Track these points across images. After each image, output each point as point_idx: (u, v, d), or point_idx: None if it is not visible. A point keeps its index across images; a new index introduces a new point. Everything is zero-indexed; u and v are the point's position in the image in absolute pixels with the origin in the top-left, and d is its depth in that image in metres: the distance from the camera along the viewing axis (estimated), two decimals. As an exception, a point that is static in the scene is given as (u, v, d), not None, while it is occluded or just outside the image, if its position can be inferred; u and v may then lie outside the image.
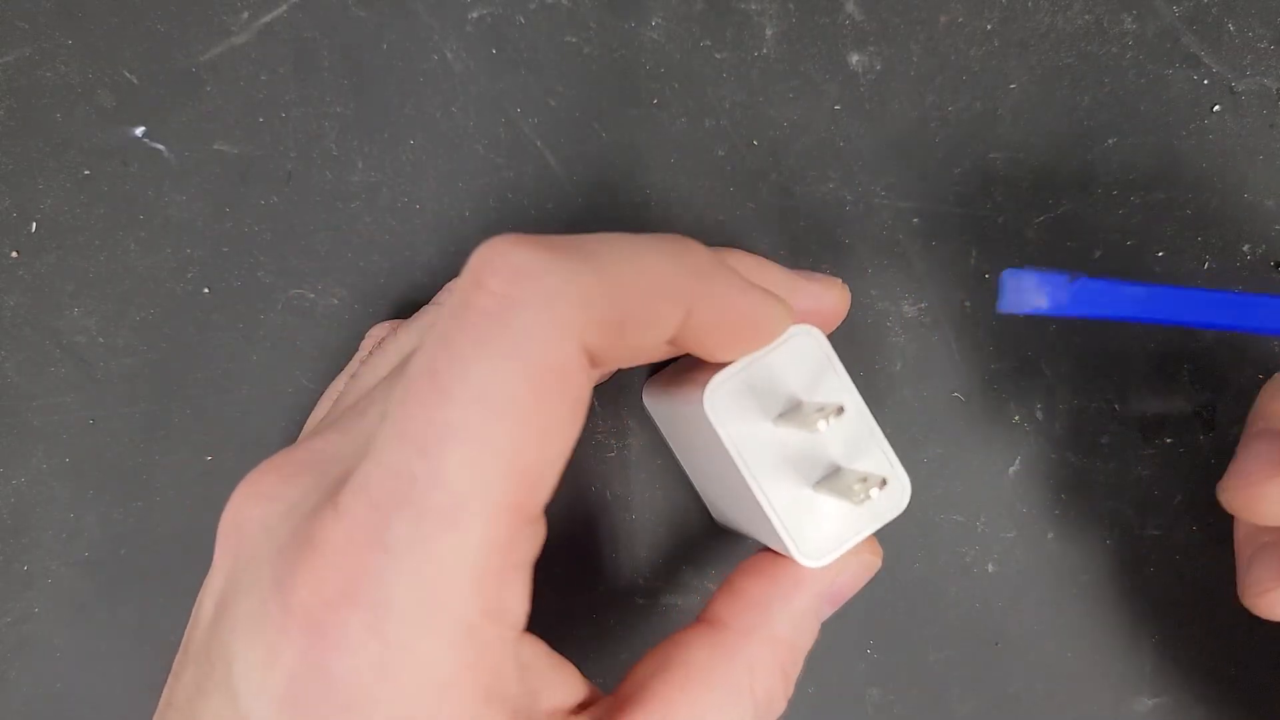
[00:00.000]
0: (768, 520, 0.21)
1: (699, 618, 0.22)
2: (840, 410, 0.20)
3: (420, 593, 0.16)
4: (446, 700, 0.17)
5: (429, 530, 0.16)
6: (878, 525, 0.22)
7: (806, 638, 0.22)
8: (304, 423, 0.28)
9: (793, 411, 0.21)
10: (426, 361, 0.17)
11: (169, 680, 0.20)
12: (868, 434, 0.22)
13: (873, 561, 0.23)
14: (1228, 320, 0.20)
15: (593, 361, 0.17)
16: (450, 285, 0.22)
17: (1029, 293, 0.20)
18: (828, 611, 0.23)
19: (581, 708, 0.20)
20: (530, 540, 0.17)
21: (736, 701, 0.21)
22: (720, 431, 0.21)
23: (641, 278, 0.18)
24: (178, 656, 0.20)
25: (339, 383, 0.26)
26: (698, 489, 0.27)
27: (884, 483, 0.20)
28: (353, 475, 0.17)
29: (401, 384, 0.17)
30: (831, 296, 0.23)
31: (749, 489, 0.21)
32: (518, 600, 0.17)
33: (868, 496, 0.20)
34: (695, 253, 0.19)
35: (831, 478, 0.21)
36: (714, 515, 0.26)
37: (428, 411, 0.16)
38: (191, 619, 0.20)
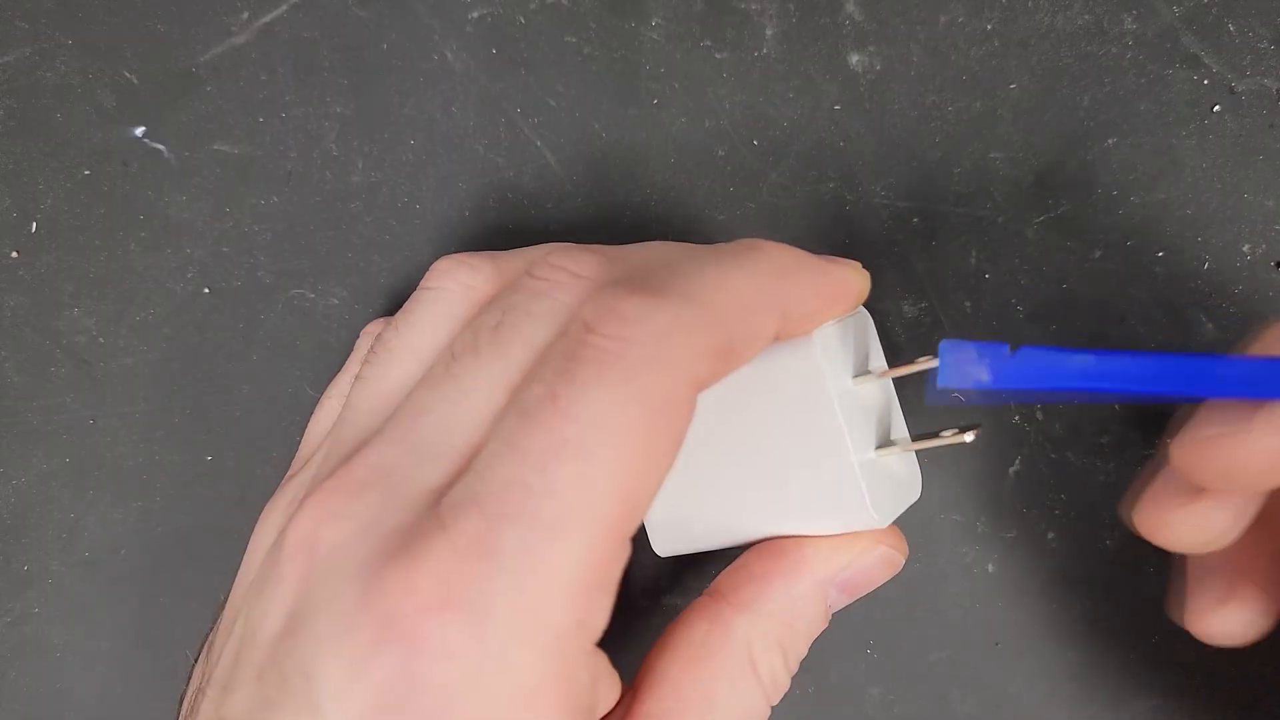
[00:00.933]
0: (844, 475, 0.21)
1: (704, 591, 0.22)
2: (979, 432, 0.21)
3: (521, 601, 0.17)
4: (530, 708, 0.17)
5: (536, 540, 0.17)
6: (900, 510, 0.22)
7: (807, 620, 0.22)
8: (304, 423, 0.28)
9: (866, 373, 0.22)
10: (545, 388, 0.18)
11: (211, 693, 0.20)
12: (898, 415, 0.23)
13: (893, 556, 0.23)
14: (1189, 387, 0.19)
15: (702, 386, 0.19)
16: (438, 266, 0.22)
17: (970, 365, 0.19)
18: (841, 600, 0.23)
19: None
20: (621, 561, 0.18)
21: (741, 678, 0.21)
22: (827, 375, 0.21)
23: (738, 299, 0.19)
24: (226, 671, 0.20)
25: (340, 383, 0.26)
26: (670, 504, 0.25)
27: (980, 426, 0.21)
28: (454, 489, 0.18)
29: (516, 408, 0.18)
30: (861, 278, 0.23)
31: (836, 441, 0.21)
32: (601, 616, 0.18)
33: (963, 441, 0.21)
34: (772, 255, 0.20)
35: (888, 446, 0.22)
36: (666, 540, 0.25)
37: (547, 430, 0.17)
38: (243, 635, 0.19)
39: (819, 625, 0.22)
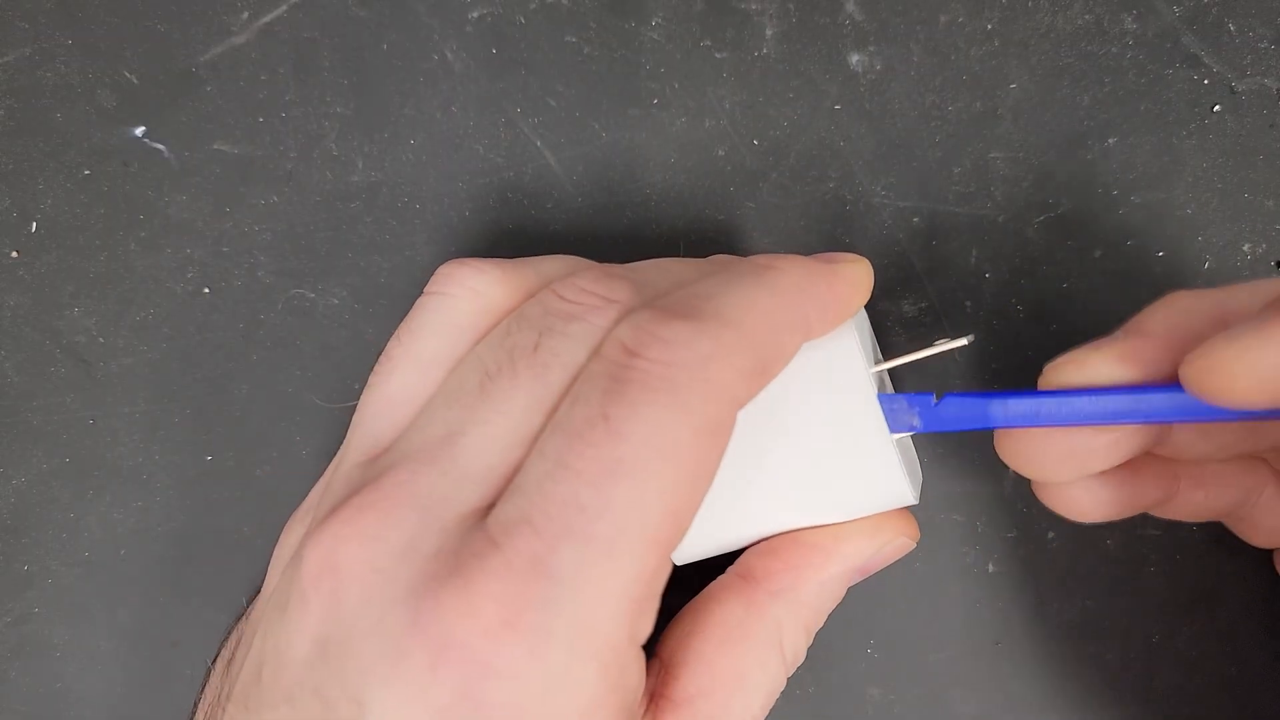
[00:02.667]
0: (881, 455, 0.22)
1: (731, 570, 0.23)
2: (971, 339, 0.22)
3: (580, 618, 0.17)
4: (592, 718, 0.18)
5: (593, 557, 0.17)
6: (919, 488, 0.24)
7: (831, 603, 0.23)
8: (304, 423, 0.28)
9: (880, 361, 0.23)
10: (594, 409, 0.18)
11: (232, 711, 0.19)
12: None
13: (908, 544, 0.24)
14: (1099, 417, 0.20)
15: (741, 406, 0.19)
16: (441, 271, 0.22)
17: (903, 414, 0.22)
18: (857, 579, 0.24)
19: None
20: (666, 573, 0.19)
21: (770, 657, 0.22)
22: (864, 361, 0.22)
23: (769, 321, 0.20)
24: (246, 690, 0.19)
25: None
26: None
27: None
28: (501, 508, 0.18)
29: (563, 429, 0.18)
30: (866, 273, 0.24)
31: (872, 423, 0.22)
32: (649, 625, 0.19)
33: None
34: (789, 273, 0.21)
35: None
36: (686, 546, 0.24)
37: (599, 450, 0.18)
38: (264, 655, 0.19)
39: (838, 602, 0.23)
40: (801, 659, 0.23)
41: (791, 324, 0.20)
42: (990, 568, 0.27)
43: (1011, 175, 0.26)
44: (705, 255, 0.24)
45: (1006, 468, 0.27)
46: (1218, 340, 0.18)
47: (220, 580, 0.28)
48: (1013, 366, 0.27)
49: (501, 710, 0.17)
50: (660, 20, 0.26)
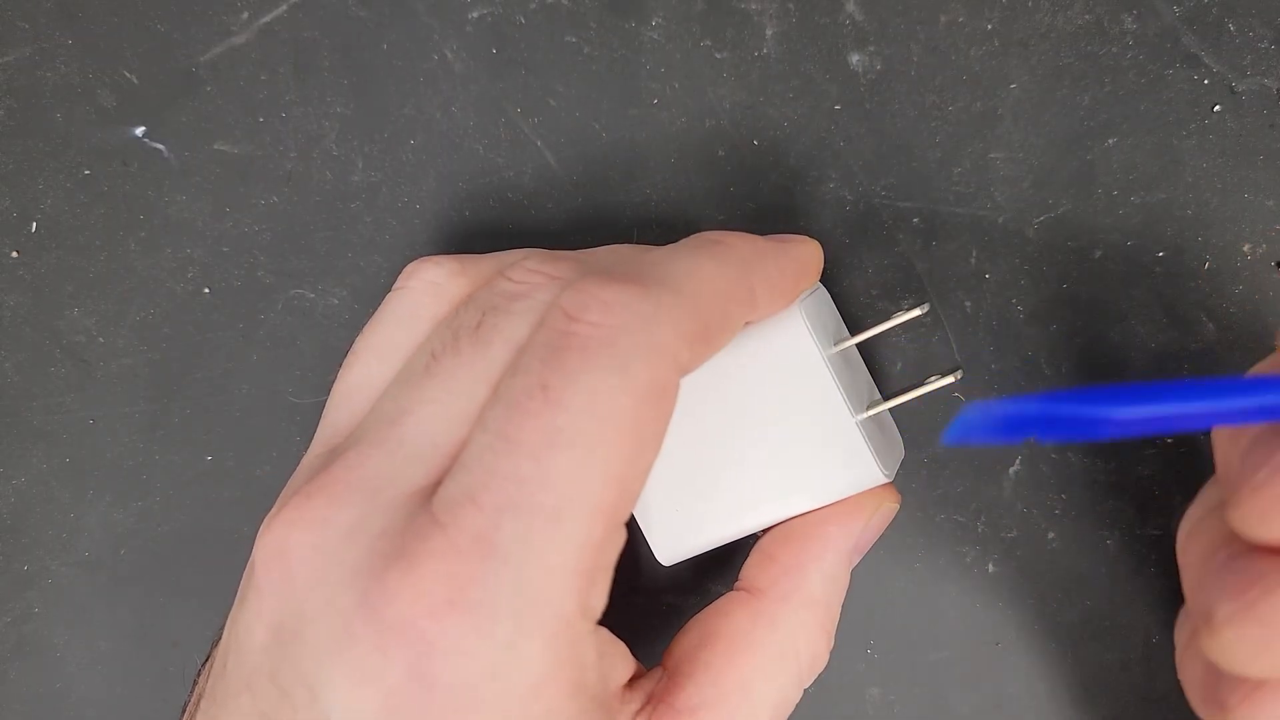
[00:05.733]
0: (848, 437, 0.22)
1: (736, 585, 0.23)
2: (927, 309, 0.23)
3: (527, 593, 0.17)
4: (542, 696, 0.17)
5: (535, 529, 0.17)
6: (897, 465, 0.24)
7: (841, 593, 0.23)
8: (305, 423, 0.28)
9: (843, 340, 0.23)
10: (533, 378, 0.18)
11: (204, 707, 0.20)
12: (868, 377, 0.25)
13: (892, 509, 0.24)
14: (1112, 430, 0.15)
15: (685, 372, 0.19)
16: (406, 268, 0.22)
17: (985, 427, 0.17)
18: (856, 560, 0.23)
19: (631, 682, 0.21)
20: (616, 545, 0.18)
21: (781, 666, 0.22)
22: (815, 343, 0.22)
23: (713, 287, 0.20)
24: (214, 683, 0.19)
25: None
26: (667, 511, 0.24)
27: (960, 368, 0.23)
28: (446, 486, 0.18)
29: (504, 400, 0.18)
30: (817, 254, 0.24)
31: (834, 405, 0.22)
32: (601, 597, 0.18)
33: (950, 382, 0.23)
34: (736, 246, 0.21)
35: (880, 402, 0.23)
36: (670, 547, 0.24)
37: (539, 420, 0.17)
38: (230, 645, 0.19)
39: (846, 590, 0.23)
40: (823, 662, 0.23)
41: (736, 294, 0.20)
42: (990, 568, 0.27)
43: (1011, 175, 0.26)
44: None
45: (1007, 467, 0.27)
46: None
47: (220, 580, 0.28)
48: (1013, 367, 0.27)
49: (451, 689, 0.17)
50: (660, 20, 0.26)
